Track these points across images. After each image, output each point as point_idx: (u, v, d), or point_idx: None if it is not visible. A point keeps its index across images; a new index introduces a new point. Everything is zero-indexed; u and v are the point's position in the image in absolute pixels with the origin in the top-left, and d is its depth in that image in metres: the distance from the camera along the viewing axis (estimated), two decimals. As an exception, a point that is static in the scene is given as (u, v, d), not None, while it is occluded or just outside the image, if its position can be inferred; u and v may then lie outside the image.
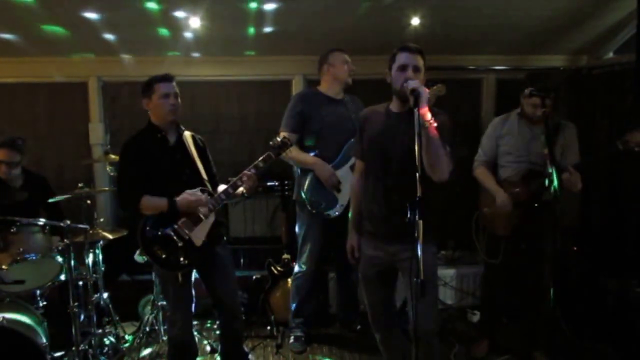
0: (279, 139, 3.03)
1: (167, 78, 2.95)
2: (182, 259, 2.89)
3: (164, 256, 2.89)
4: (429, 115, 2.32)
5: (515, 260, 3.42)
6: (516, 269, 3.45)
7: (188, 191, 2.89)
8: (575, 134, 3.41)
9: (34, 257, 3.33)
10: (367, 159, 2.74)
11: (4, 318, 2.95)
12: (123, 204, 2.95)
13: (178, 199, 2.86)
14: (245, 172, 2.95)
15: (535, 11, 3.91)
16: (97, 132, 4.55)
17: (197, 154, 3.07)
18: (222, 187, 3.05)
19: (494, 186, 3.41)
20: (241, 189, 2.98)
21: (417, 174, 2.15)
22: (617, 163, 4.04)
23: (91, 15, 3.61)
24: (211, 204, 2.93)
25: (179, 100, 2.99)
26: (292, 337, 3.87)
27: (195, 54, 4.41)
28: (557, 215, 3.41)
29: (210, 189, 3.05)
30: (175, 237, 2.88)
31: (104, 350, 3.60)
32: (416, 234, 2.09)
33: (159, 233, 2.88)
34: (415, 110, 2.26)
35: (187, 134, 3.10)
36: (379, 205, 2.63)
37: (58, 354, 3.40)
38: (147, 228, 2.89)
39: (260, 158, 3.00)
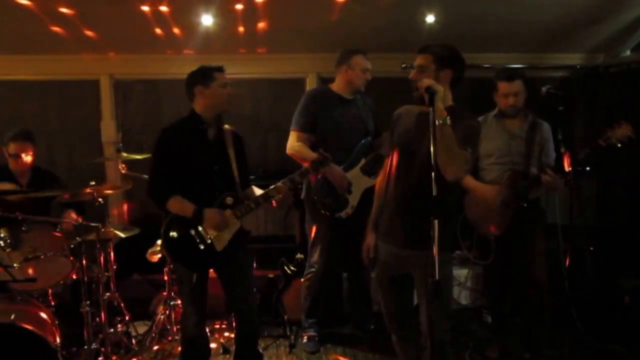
0: (320, 154, 3.03)
1: (223, 69, 2.96)
2: (200, 260, 2.88)
3: (183, 255, 2.88)
4: (444, 113, 2.28)
5: (507, 260, 3.39)
6: (509, 268, 3.43)
7: (218, 210, 2.86)
8: (550, 132, 3.39)
9: (46, 256, 3.31)
10: (392, 157, 2.69)
11: (15, 316, 2.93)
12: (151, 196, 2.93)
13: (206, 214, 2.83)
14: (279, 184, 2.94)
15: (552, 9, 3.87)
16: (108, 130, 4.55)
17: (234, 152, 3.04)
18: (256, 190, 3.04)
19: (478, 185, 3.34)
20: (273, 200, 2.97)
21: (433, 173, 2.11)
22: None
23: (106, 12, 3.61)
24: (239, 211, 2.91)
25: None
26: (305, 337, 3.84)
27: (208, 52, 4.39)
28: (544, 213, 3.50)
29: (240, 192, 3.02)
30: (197, 239, 2.86)
31: (116, 349, 3.59)
32: (431, 233, 2.05)
33: (183, 232, 2.86)
34: (431, 108, 2.23)
35: (227, 129, 3.07)
36: (397, 205, 2.59)
37: (70, 353, 3.38)
38: (172, 225, 2.87)
39: (297, 172, 3.00)
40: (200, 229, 2.86)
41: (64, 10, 3.57)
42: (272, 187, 2.95)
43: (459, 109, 2.39)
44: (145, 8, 3.55)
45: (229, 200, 2.93)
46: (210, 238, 2.87)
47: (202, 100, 2.93)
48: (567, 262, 3.77)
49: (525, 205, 3.27)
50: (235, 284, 3.03)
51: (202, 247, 2.86)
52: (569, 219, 4.06)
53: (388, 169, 2.71)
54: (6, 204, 3.35)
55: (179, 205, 2.85)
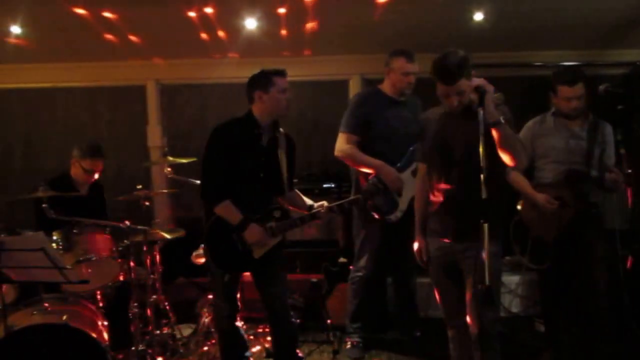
0: (371, 183, 3.03)
1: (284, 73, 2.95)
2: (235, 263, 2.90)
3: (221, 255, 2.90)
4: (496, 114, 2.31)
5: (564, 266, 3.26)
6: (566, 275, 3.29)
7: (262, 230, 2.85)
8: (612, 133, 3.25)
9: (96, 258, 3.39)
10: (429, 161, 2.74)
11: (68, 317, 3.00)
12: (204, 196, 2.93)
13: (249, 228, 2.83)
14: (329, 207, 2.96)
15: (609, 3, 3.67)
16: (155, 135, 4.63)
17: (285, 157, 3.03)
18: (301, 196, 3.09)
19: (531, 191, 3.25)
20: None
21: (482, 175, 2.16)
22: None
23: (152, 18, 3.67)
24: (284, 226, 2.91)
25: None
26: (349, 343, 3.78)
27: (252, 55, 4.40)
28: (604, 217, 3.33)
29: (287, 200, 3.03)
30: (238, 242, 2.86)
31: (162, 351, 3.62)
32: (481, 237, 2.12)
33: (225, 233, 2.87)
34: (480, 108, 2.26)
35: (282, 133, 3.05)
36: (442, 204, 2.63)
37: (118, 353, 3.44)
38: (217, 225, 2.88)
39: (349, 199, 3.00)
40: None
41: (110, 16, 3.64)
42: (321, 208, 2.96)
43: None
44: (192, 14, 3.57)
45: (277, 213, 2.93)
46: (250, 244, 2.87)
47: (260, 104, 2.92)
48: (627, 270, 3.59)
49: (585, 209, 3.16)
50: (269, 284, 3.04)
51: (241, 250, 2.87)
52: (628, 224, 3.86)
53: (427, 172, 2.77)
54: (63, 207, 3.43)
55: (228, 211, 2.85)
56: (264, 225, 2.88)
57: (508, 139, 2.38)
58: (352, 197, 3.01)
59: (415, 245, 2.84)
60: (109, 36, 3.95)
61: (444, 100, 2.55)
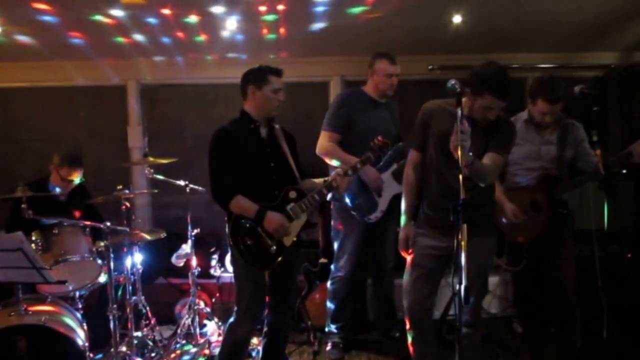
0: (379, 140, 2.96)
1: (280, 73, 2.96)
2: (268, 257, 2.86)
3: (253, 253, 2.86)
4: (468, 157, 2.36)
5: (536, 267, 3.31)
6: (538, 275, 3.35)
7: (281, 215, 2.83)
8: (583, 131, 3.30)
9: (75, 259, 3.37)
10: (431, 153, 2.73)
11: (46, 318, 2.98)
12: (215, 197, 2.90)
13: (267, 216, 2.81)
14: (339, 171, 2.95)
15: (585, 5, 3.73)
16: (135, 135, 4.60)
17: (288, 148, 3.02)
18: (315, 181, 3.06)
19: (502, 198, 3.27)
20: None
21: (461, 176, 2.20)
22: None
23: (128, 18, 3.64)
24: (304, 204, 2.90)
25: None
26: (329, 344, 3.79)
27: (231, 56, 4.40)
28: (573, 219, 3.38)
29: (302, 185, 3.01)
30: (265, 236, 2.84)
31: (142, 353, 3.60)
32: (459, 238, 2.14)
33: (250, 231, 2.84)
34: (459, 110, 2.32)
35: (278, 128, 3.06)
36: (443, 197, 2.62)
37: (97, 355, 3.42)
38: (238, 225, 2.86)
39: (360, 159, 2.99)
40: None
41: (90, 16, 3.61)
42: (332, 176, 2.95)
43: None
44: (167, 11, 3.56)
45: (292, 194, 2.92)
46: (275, 233, 2.84)
47: (252, 100, 2.93)
48: (603, 270, 3.64)
49: (565, 211, 3.22)
50: (284, 285, 3.05)
51: (270, 242, 2.84)
52: (604, 224, 3.91)
53: (422, 162, 2.78)
54: (41, 209, 3.39)
55: (242, 205, 2.83)
56: (284, 209, 2.87)
57: (478, 175, 2.48)
58: (362, 157, 2.99)
59: (402, 234, 2.81)
60: (86, 36, 3.92)
61: (484, 112, 2.55)
